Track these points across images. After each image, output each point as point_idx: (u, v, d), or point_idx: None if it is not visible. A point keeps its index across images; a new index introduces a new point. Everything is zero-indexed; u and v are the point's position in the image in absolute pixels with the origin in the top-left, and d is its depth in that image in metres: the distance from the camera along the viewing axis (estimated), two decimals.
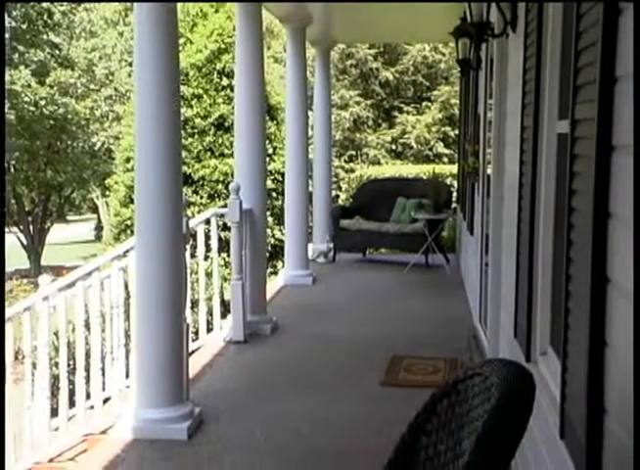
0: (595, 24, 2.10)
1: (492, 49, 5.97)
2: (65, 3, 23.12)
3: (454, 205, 11.71)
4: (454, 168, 14.45)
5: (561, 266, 2.65)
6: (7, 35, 21.86)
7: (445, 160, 19.94)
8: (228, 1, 7.06)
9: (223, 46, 13.88)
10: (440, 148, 20.56)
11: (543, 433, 2.86)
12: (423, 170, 15.07)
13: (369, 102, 21.55)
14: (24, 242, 23.69)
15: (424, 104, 21.23)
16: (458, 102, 15.39)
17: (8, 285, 16.17)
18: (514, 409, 1.95)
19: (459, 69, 9.39)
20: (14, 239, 24.81)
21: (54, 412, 5.67)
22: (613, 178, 2.01)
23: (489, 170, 6.10)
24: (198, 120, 13.70)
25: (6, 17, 21.70)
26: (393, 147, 21.17)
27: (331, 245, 11.23)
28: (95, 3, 24.62)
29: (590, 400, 2.08)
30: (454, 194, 12.21)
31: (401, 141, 21.03)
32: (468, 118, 9.47)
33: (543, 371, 3.18)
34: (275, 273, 11.10)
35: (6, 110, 20.36)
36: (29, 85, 20.69)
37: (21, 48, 22.05)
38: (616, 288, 1.98)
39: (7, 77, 20.46)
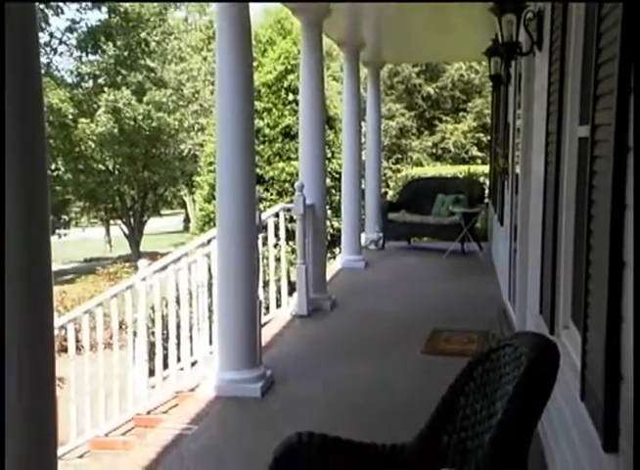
0: (614, 42, 2.03)
1: (520, 66, 5.85)
2: (159, 34, 23.39)
3: (486, 200, 11.53)
4: (486, 168, 14.22)
5: (581, 252, 2.58)
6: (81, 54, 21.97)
7: (479, 161, 19.67)
8: (291, 1, 6.97)
9: (289, 67, 13.93)
10: (475, 151, 20.33)
11: (565, 395, 2.80)
12: (459, 170, 14.86)
13: (413, 113, 21.40)
14: (126, 232, 24.17)
15: (460, 114, 21.00)
16: (490, 112, 15.13)
17: (113, 268, 16.41)
18: (541, 375, 1.92)
19: (491, 83, 9.23)
20: (118, 230, 25.35)
21: (151, 373, 5.79)
22: (628, 175, 1.95)
23: (518, 170, 5.98)
24: (268, 130, 13.78)
25: (111, 46, 22.03)
26: (434, 151, 20.99)
27: (380, 234, 11.18)
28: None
29: (608, 368, 2.02)
30: (486, 190, 12.03)
31: (441, 146, 20.85)
32: (499, 126, 9.31)
33: (566, 342, 3.11)
34: (333, 258, 11.10)
35: (110, 124, 20.67)
36: (130, 103, 21.03)
37: (123, 72, 22.41)
38: (631, 270, 1.92)
39: (111, 97, 20.79)
